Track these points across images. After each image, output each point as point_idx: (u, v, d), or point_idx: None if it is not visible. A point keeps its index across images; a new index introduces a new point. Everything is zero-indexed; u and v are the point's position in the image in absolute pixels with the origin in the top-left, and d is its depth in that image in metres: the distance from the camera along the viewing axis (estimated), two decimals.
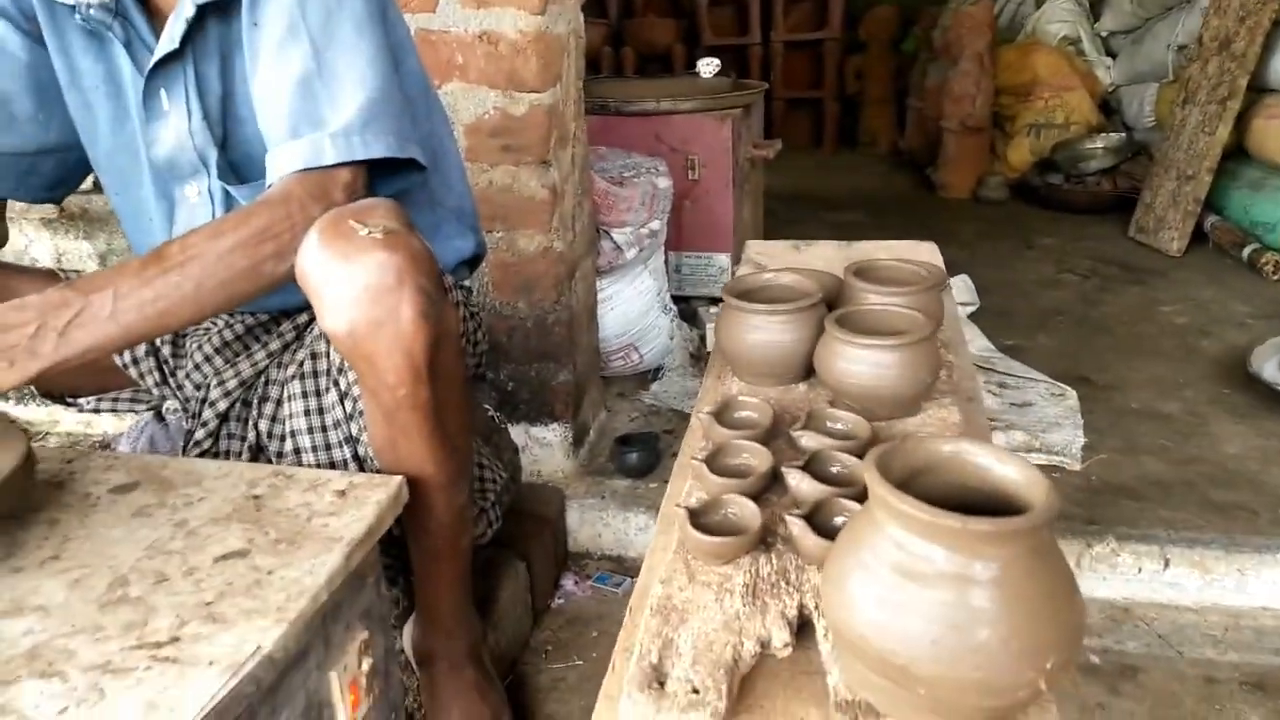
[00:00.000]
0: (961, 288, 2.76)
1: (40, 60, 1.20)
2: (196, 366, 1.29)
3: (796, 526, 0.80)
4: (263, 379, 1.27)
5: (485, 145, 1.74)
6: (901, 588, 0.62)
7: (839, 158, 5.74)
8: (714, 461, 0.93)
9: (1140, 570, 1.65)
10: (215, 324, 1.32)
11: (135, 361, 1.33)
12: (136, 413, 1.41)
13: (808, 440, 0.95)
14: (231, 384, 1.25)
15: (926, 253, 1.73)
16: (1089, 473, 1.91)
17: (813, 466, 0.90)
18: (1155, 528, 1.70)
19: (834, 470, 0.91)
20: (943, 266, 1.67)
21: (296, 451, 1.21)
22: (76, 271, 1.69)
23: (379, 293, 0.91)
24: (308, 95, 1.03)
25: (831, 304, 1.17)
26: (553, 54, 1.72)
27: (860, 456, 0.92)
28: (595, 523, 1.84)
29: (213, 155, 1.16)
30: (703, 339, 2.53)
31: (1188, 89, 3.37)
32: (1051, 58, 4.28)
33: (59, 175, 1.31)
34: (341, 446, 1.18)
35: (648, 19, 5.52)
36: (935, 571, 0.61)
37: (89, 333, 0.93)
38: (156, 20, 1.13)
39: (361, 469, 1.18)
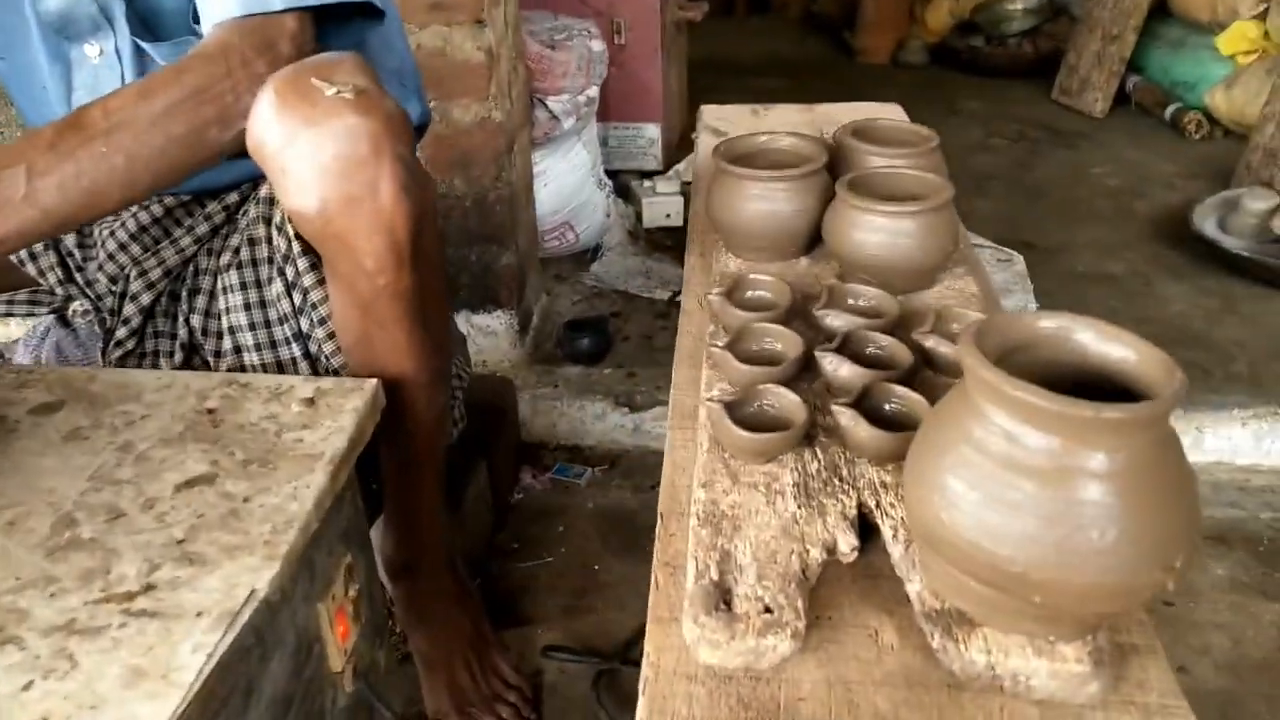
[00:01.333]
0: None
1: None
2: (110, 257, 1.12)
3: (845, 416, 0.72)
4: (190, 268, 1.11)
5: (412, 2, 1.55)
6: (1015, 484, 0.55)
7: (751, 22, 5.54)
8: (736, 348, 0.84)
9: None
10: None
11: (33, 257, 1.15)
12: (36, 315, 1.23)
13: (834, 319, 0.86)
14: (155, 273, 1.08)
15: (893, 114, 1.63)
16: None
17: (847, 349, 0.82)
18: None
19: (870, 351, 0.83)
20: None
21: (237, 350, 1.07)
22: None
23: (353, 164, 0.77)
24: None
25: (831, 171, 1.07)
26: None
27: (892, 334, 0.84)
28: (549, 412, 1.74)
29: (119, 7, 0.98)
30: (639, 216, 2.41)
31: None
32: None
33: None
34: (289, 344, 1.05)
35: None
36: (1055, 465, 0.54)
37: (1, 221, 0.77)
38: None
39: (314, 369, 1.05)
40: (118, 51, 1.01)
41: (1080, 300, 2.04)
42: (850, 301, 0.91)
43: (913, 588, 0.64)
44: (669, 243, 2.33)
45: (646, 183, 2.49)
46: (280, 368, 1.06)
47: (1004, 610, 0.59)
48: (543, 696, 1.23)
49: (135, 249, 1.12)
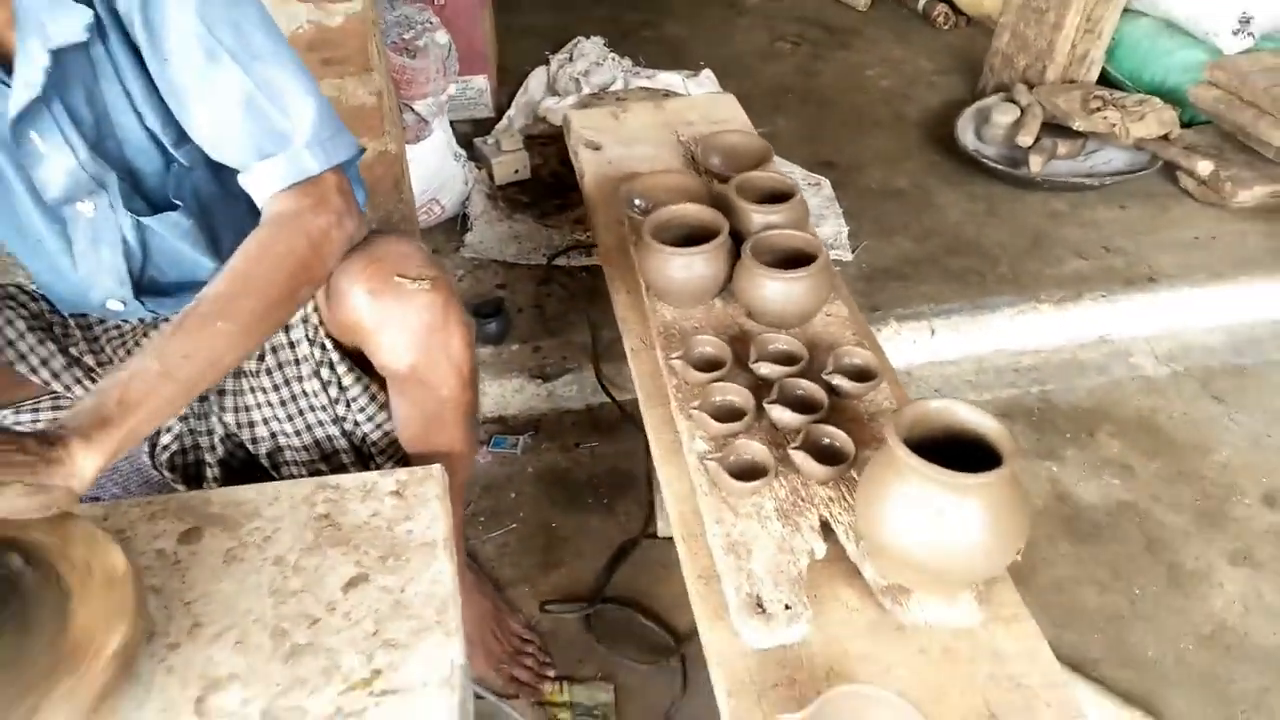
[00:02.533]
0: (707, 83, 3.00)
1: None
2: None
3: (799, 456, 1.09)
4: None
5: (305, 60, 1.69)
6: (923, 515, 0.93)
7: None
8: (706, 404, 1.18)
9: (915, 342, 2.12)
10: (129, 323, 1.33)
11: (55, 376, 1.32)
12: None
13: (766, 370, 1.22)
14: None
15: (729, 106, 1.95)
16: (859, 260, 2.33)
17: (781, 395, 1.18)
18: (919, 304, 2.16)
19: (797, 394, 1.19)
20: (748, 121, 1.91)
21: (274, 436, 1.31)
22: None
23: (431, 331, 1.04)
24: (257, 114, 1.04)
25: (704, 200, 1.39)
26: None
27: (805, 377, 1.20)
28: None
29: (111, 179, 1.15)
30: (491, 175, 2.62)
31: None
32: None
33: None
34: (324, 426, 1.30)
35: None
36: (945, 504, 0.93)
37: (147, 393, 0.93)
38: None
39: (350, 444, 1.31)
40: (111, 206, 1.18)
41: (878, 218, 2.48)
42: (770, 348, 1.26)
43: (867, 571, 1.03)
44: (524, 199, 2.57)
45: (490, 140, 2.69)
46: (318, 445, 1.32)
47: (925, 582, 0.99)
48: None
49: None
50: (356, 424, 1.29)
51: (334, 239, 1.03)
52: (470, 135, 2.74)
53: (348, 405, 1.27)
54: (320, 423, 1.29)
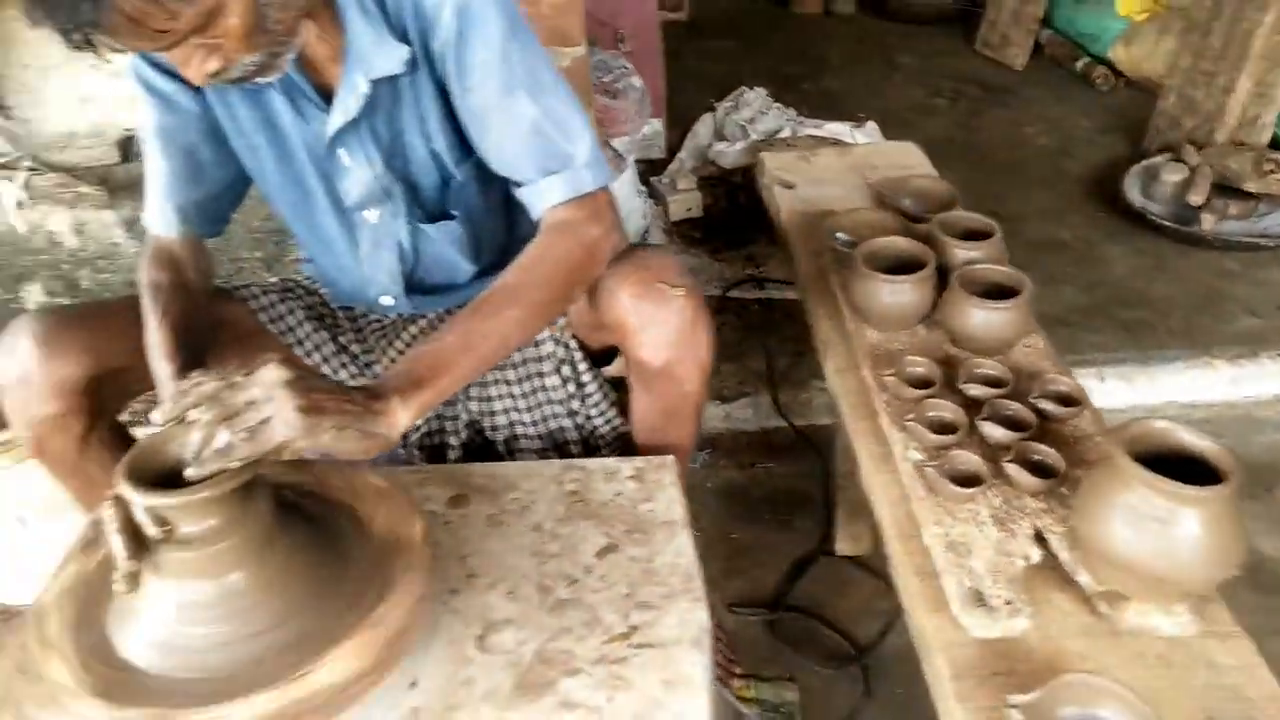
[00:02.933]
0: (873, 133, 3.11)
1: (206, 110, 1.30)
2: (394, 361, 1.48)
3: (1013, 469, 1.18)
4: None
5: None
6: (1147, 526, 1.01)
7: None
8: (920, 418, 1.27)
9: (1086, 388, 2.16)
10: (390, 318, 1.50)
11: (325, 360, 1.49)
12: None
13: (976, 390, 1.31)
14: None
15: (913, 154, 2.06)
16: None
17: (992, 414, 1.26)
18: (1089, 351, 2.21)
19: (1005, 415, 1.27)
20: (931, 168, 2.01)
21: (511, 425, 1.46)
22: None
23: (686, 334, 1.17)
24: (544, 138, 1.19)
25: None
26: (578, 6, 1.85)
27: (1012, 399, 1.29)
28: None
29: (398, 190, 1.32)
30: (666, 212, 2.78)
31: None
32: None
33: (231, 209, 1.42)
34: (558, 418, 1.44)
35: None
36: (1168, 515, 1.00)
37: (451, 367, 1.07)
38: (309, 68, 1.23)
39: (580, 435, 1.45)
40: (393, 215, 1.35)
41: (1043, 268, 2.53)
42: (977, 371, 1.35)
43: (1081, 578, 1.10)
44: (697, 235, 2.72)
45: (665, 179, 2.86)
46: (551, 435, 1.46)
47: (1143, 590, 1.06)
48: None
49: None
50: (588, 417, 1.42)
51: (604, 247, 1.18)
52: (645, 174, 2.91)
53: (583, 400, 1.41)
54: (555, 415, 1.44)
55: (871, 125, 3.16)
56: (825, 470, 2.06)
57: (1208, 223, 2.51)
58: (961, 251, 1.48)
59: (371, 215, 1.35)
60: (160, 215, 1.33)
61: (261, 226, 2.07)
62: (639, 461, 1.29)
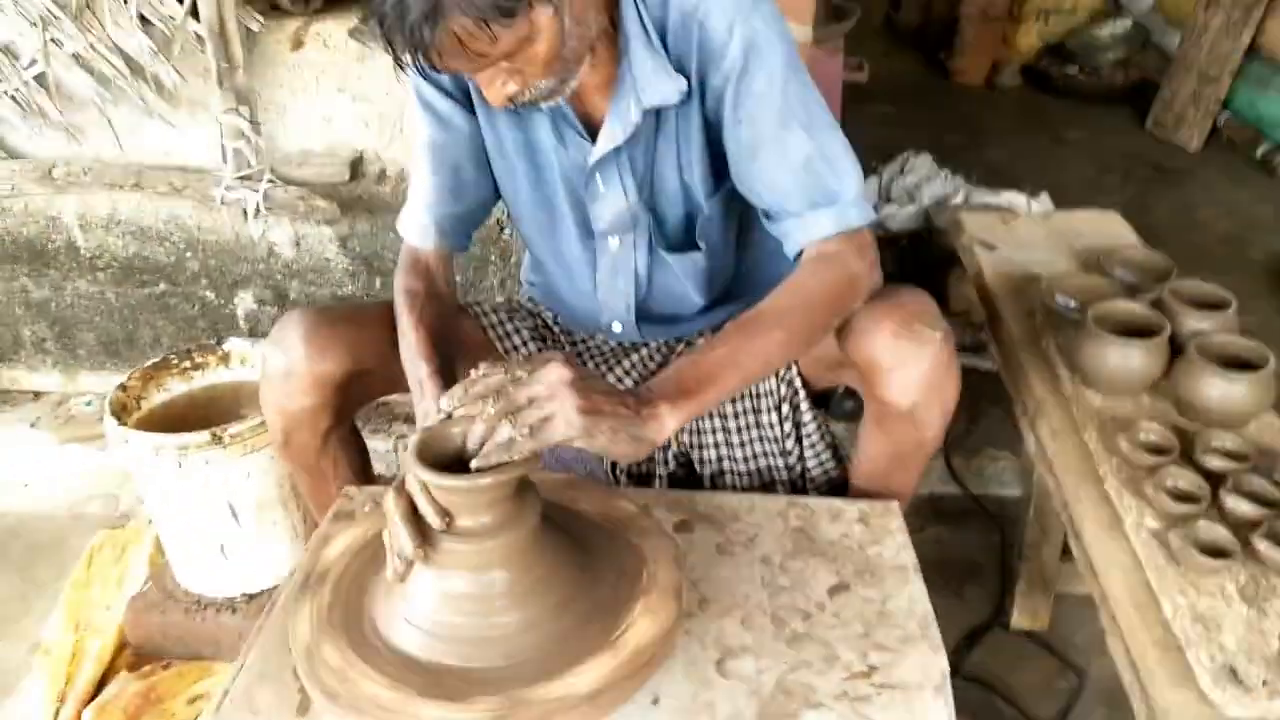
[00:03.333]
0: (1047, 204, 3.08)
1: (475, 131, 1.37)
2: (616, 383, 1.52)
3: (1264, 545, 1.14)
4: None
5: None
6: None
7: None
8: (1160, 486, 1.25)
9: None
10: (611, 345, 1.55)
11: None
12: None
13: (1218, 462, 1.28)
14: None
15: (1118, 224, 2.04)
16: None
17: (1237, 487, 1.23)
18: None
19: (1252, 489, 1.24)
20: (1137, 239, 1.99)
21: (719, 460, 1.48)
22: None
23: (937, 378, 1.18)
24: (814, 173, 1.21)
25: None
26: None
27: (1259, 474, 1.25)
28: None
29: (644, 219, 1.37)
30: None
31: None
32: None
33: (477, 227, 1.49)
34: (768, 456, 1.46)
35: None
36: None
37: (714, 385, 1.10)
38: (575, 97, 1.27)
39: (789, 476, 1.46)
40: (634, 244, 1.40)
41: None
42: (1213, 444, 1.32)
43: None
44: None
45: None
46: (759, 473, 1.47)
47: None
48: None
49: (633, 380, 1.52)
50: (801, 458, 1.44)
51: (865, 283, 1.20)
52: None
53: (799, 440, 1.43)
54: (767, 453, 1.45)
55: (1045, 197, 3.13)
56: (1002, 540, 2.02)
57: None
58: (1194, 321, 1.46)
59: (614, 242, 1.41)
60: (420, 227, 1.40)
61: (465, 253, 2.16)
62: (863, 504, 1.30)
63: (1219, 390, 1.35)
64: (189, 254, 2.23)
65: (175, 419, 1.80)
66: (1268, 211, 3.26)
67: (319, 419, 1.37)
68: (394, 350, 1.34)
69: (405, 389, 1.48)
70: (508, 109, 1.27)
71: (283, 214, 2.03)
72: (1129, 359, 1.40)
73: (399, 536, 1.00)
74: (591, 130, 1.30)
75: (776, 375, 1.41)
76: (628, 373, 1.51)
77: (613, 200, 1.35)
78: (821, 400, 1.47)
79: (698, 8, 1.19)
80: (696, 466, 1.50)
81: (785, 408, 1.42)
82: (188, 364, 1.86)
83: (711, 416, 1.47)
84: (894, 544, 1.24)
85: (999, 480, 2.13)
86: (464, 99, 1.35)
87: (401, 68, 1.07)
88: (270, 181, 1.98)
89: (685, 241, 1.40)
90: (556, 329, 1.58)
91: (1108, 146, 3.84)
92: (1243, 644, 1.08)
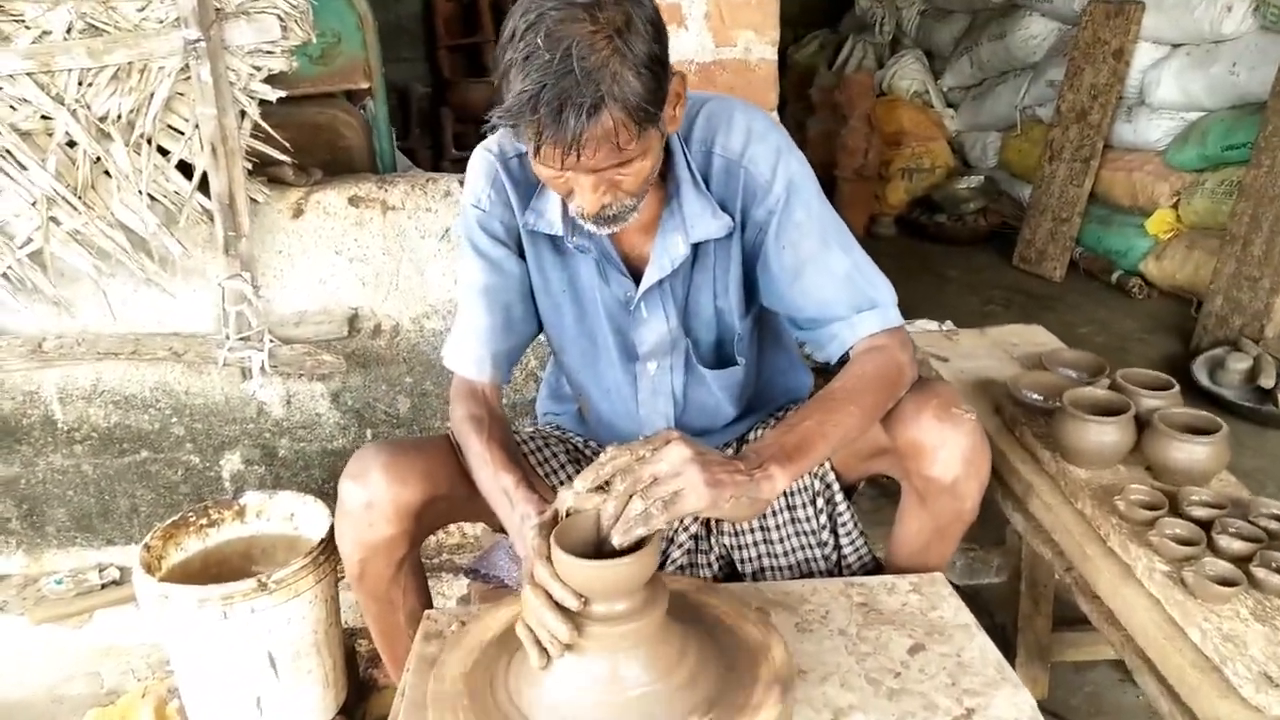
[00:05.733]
0: (952, 328, 3.41)
1: (524, 274, 1.51)
2: None
3: (1262, 573, 1.34)
4: None
5: None
6: None
7: None
8: (1162, 534, 1.44)
9: None
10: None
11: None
12: None
13: (1201, 512, 1.49)
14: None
15: (1043, 333, 2.32)
16: None
17: (1224, 529, 1.44)
18: None
19: (1235, 530, 1.44)
20: (1060, 343, 2.27)
21: (759, 558, 1.60)
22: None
23: (975, 455, 1.36)
24: (854, 286, 1.40)
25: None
26: None
27: (1237, 518, 1.46)
28: None
29: (682, 343, 1.54)
30: None
31: (1053, 149, 4.23)
32: (915, 113, 5.09)
33: (518, 360, 1.61)
34: (807, 549, 1.58)
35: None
36: None
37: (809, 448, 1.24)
38: (617, 237, 1.44)
39: (826, 563, 1.59)
40: (670, 367, 1.55)
41: None
42: (1194, 498, 1.53)
43: None
44: None
45: None
46: (798, 566, 1.60)
47: None
48: None
49: None
50: (837, 546, 1.57)
51: (909, 372, 1.38)
52: None
53: (835, 531, 1.57)
54: (804, 546, 1.58)
55: (949, 323, 3.47)
56: (992, 621, 2.17)
57: None
58: (1149, 400, 1.70)
59: (652, 366, 1.55)
60: (475, 360, 1.49)
61: None
62: (911, 578, 1.44)
63: (1185, 454, 1.57)
64: (174, 419, 2.24)
65: (193, 578, 1.79)
66: (1134, 326, 3.69)
67: (396, 548, 1.42)
68: (460, 477, 1.44)
69: (470, 515, 1.56)
70: (551, 251, 1.45)
71: (288, 371, 2.08)
72: (1106, 435, 1.62)
73: (548, 623, 1.07)
74: (630, 267, 1.47)
75: (811, 472, 1.56)
76: None
77: (655, 326, 1.50)
78: (847, 493, 1.62)
79: (743, 155, 1.39)
80: (738, 565, 1.61)
81: (820, 501, 1.57)
82: (204, 520, 1.86)
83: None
84: (951, 607, 1.37)
85: (972, 571, 2.30)
86: (515, 246, 1.49)
87: (548, 165, 1.20)
88: (273, 341, 2.05)
89: (721, 358, 1.56)
90: (588, 451, 1.69)
91: (984, 281, 4.29)
92: (1269, 655, 1.25)
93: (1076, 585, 1.62)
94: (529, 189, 1.45)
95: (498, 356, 1.51)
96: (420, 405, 2.27)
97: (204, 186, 1.99)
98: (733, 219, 1.43)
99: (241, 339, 2.06)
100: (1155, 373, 1.78)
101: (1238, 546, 1.41)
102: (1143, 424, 1.65)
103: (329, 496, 2.29)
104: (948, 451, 1.36)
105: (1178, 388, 1.74)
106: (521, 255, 1.50)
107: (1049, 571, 1.89)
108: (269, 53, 1.94)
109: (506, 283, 1.50)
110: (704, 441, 1.63)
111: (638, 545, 1.08)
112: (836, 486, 1.56)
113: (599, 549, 1.10)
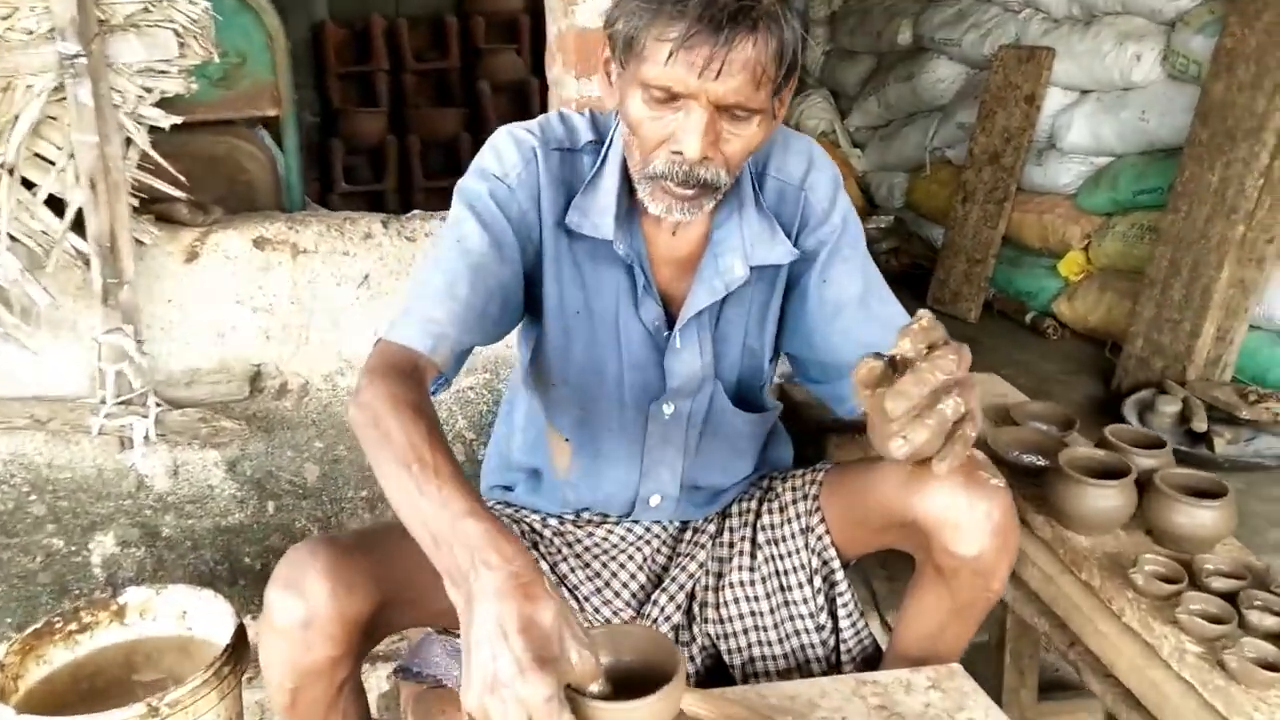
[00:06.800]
0: None
1: (516, 274, 1.28)
2: (624, 585, 1.43)
3: None
4: (699, 582, 1.44)
5: None
6: None
7: None
8: (1191, 611, 1.32)
9: None
10: (620, 532, 1.47)
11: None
12: None
13: (1221, 583, 1.37)
14: (680, 596, 1.42)
15: (1004, 385, 2.23)
16: None
17: (1249, 603, 1.32)
18: None
19: (1260, 603, 1.33)
20: (1019, 393, 2.18)
21: (750, 646, 1.42)
22: None
23: (1004, 525, 1.21)
24: (891, 330, 1.21)
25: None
26: None
27: (1260, 589, 1.35)
28: None
29: (710, 382, 1.38)
30: None
31: (966, 190, 4.23)
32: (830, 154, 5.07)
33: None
34: (804, 634, 1.41)
35: (435, 110, 5.64)
36: None
37: None
38: (654, 260, 1.32)
39: (824, 650, 1.41)
40: (690, 411, 1.38)
41: None
42: (1213, 566, 1.41)
43: None
44: None
45: None
46: (793, 654, 1.42)
47: None
48: None
49: (642, 578, 1.44)
50: (835, 629, 1.40)
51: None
52: None
53: (833, 612, 1.40)
54: (801, 631, 1.40)
55: None
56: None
57: (1220, 445, 2.76)
58: (1143, 460, 1.59)
59: (668, 409, 1.37)
60: (435, 336, 1.16)
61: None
62: (928, 671, 1.28)
63: (1192, 519, 1.46)
64: (33, 497, 1.92)
65: (58, 697, 1.49)
66: (1053, 368, 3.68)
67: (338, 670, 1.17)
68: (415, 572, 1.19)
69: (425, 620, 1.33)
70: (573, 269, 1.30)
71: (179, 439, 1.80)
72: (1108, 500, 1.50)
73: None
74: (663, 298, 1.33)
75: (807, 546, 1.39)
76: (640, 566, 1.44)
77: (689, 358, 1.34)
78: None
79: (805, 179, 1.32)
80: (725, 657, 1.43)
81: (817, 580, 1.39)
82: (74, 626, 1.55)
83: (738, 601, 1.42)
84: (979, 705, 1.22)
85: None
86: (522, 243, 1.28)
87: (665, 60, 1.09)
88: (159, 404, 1.77)
89: (748, 402, 1.42)
90: (547, 532, 1.47)
91: None
92: None
93: (1084, 663, 1.49)
94: (567, 189, 1.28)
95: (459, 344, 1.20)
96: (331, 473, 2.01)
97: (79, 226, 1.70)
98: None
99: (121, 403, 1.77)
100: (1144, 430, 1.69)
101: (1270, 623, 1.29)
102: (1140, 485, 1.54)
103: (223, 581, 2.01)
104: (972, 524, 1.20)
105: (1169, 446, 1.64)
106: (520, 255, 1.28)
107: (1035, 642, 1.76)
108: (163, 72, 1.68)
109: (500, 271, 1.24)
110: (709, 506, 1.46)
111: (653, 684, 0.91)
112: (837, 564, 1.39)
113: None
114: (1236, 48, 3.10)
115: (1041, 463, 1.66)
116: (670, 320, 1.33)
